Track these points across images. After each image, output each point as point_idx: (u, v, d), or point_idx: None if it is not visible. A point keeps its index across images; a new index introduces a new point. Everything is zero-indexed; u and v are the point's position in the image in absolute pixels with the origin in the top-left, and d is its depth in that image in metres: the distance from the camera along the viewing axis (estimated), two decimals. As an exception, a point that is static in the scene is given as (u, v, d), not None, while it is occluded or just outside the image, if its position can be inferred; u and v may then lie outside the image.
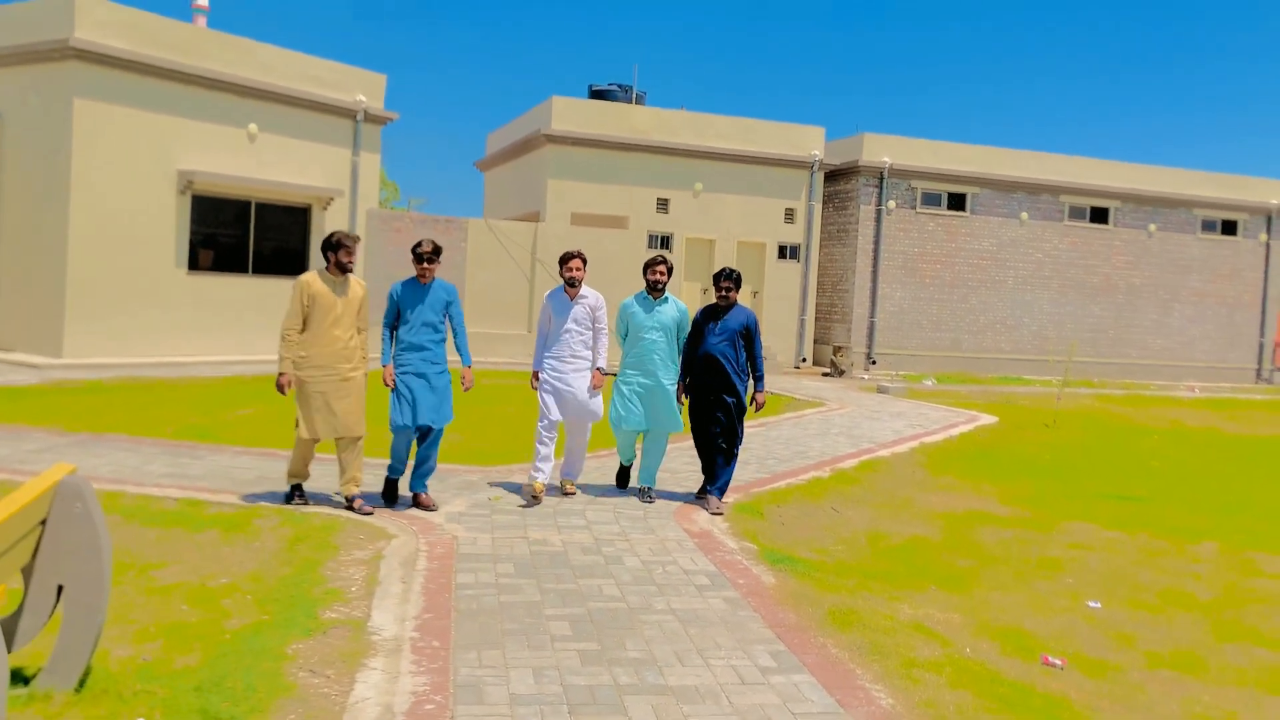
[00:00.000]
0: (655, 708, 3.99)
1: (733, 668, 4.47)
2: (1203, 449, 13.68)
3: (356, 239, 7.04)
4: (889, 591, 5.95)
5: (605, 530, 6.89)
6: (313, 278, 6.86)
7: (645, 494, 7.83)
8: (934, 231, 25.00)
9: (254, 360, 17.14)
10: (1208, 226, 27.69)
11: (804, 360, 24.08)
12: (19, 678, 3.83)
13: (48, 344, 15.77)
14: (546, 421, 7.61)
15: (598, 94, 24.32)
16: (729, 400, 7.62)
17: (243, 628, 4.67)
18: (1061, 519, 8.43)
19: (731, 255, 22.97)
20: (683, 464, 9.38)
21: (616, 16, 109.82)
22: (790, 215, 23.80)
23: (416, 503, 7.20)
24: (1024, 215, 25.69)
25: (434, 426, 7.11)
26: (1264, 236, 28.16)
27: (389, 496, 7.31)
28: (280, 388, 6.84)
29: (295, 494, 7.15)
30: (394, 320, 7.19)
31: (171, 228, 16.96)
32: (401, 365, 7.09)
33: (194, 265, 17.41)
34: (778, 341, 23.41)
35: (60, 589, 3.78)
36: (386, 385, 7.10)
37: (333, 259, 6.89)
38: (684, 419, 7.86)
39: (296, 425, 6.90)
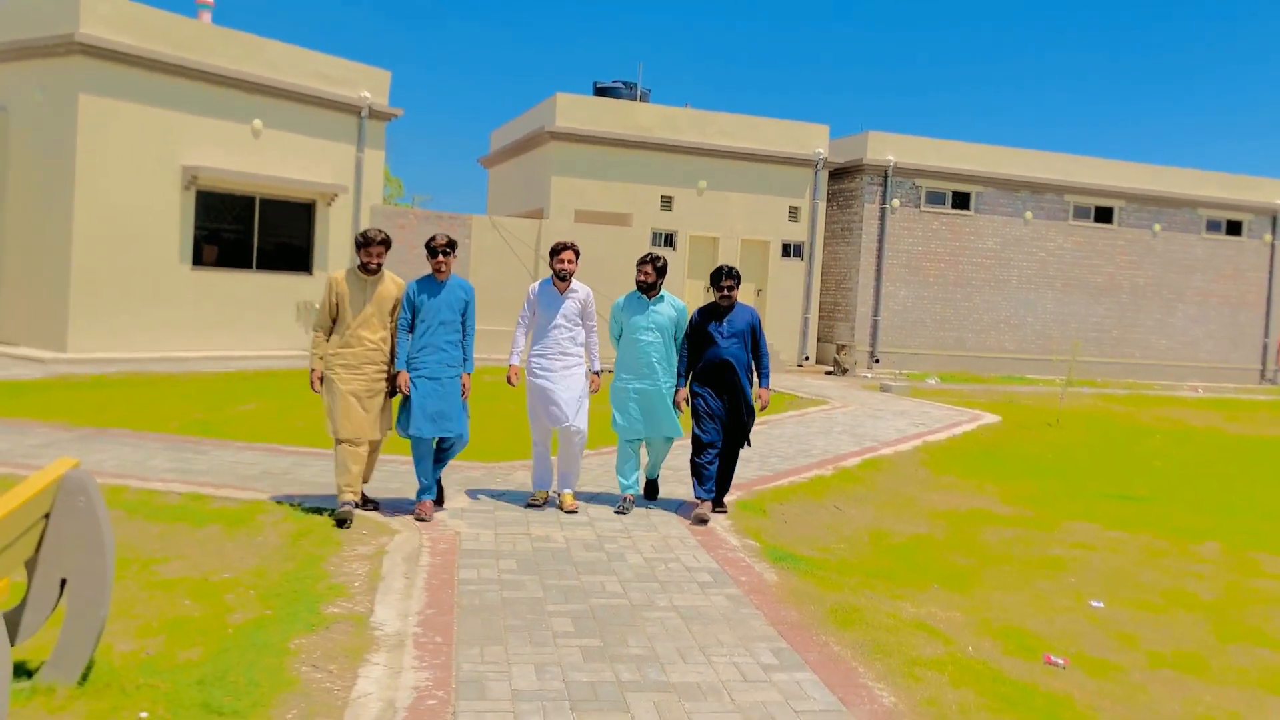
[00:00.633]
0: (657, 704, 4.00)
1: (735, 665, 4.47)
2: (1206, 449, 13.65)
3: (382, 236, 6.62)
4: (891, 590, 5.95)
5: (607, 527, 6.89)
6: (341, 276, 6.65)
7: (652, 490, 7.77)
8: (938, 230, 24.98)
9: (257, 356, 17.16)
10: (1212, 226, 27.64)
11: (807, 358, 24.07)
12: (22, 671, 3.84)
13: (52, 339, 15.80)
14: (539, 436, 7.40)
15: (602, 91, 24.32)
16: (741, 405, 7.34)
17: (245, 622, 4.68)
18: (1064, 518, 8.42)
19: (735, 253, 22.96)
20: (684, 461, 9.37)
21: (621, 14, 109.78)
22: (794, 213, 23.78)
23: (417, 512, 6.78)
24: (1028, 214, 25.65)
25: (452, 439, 6.81)
26: (1269, 237, 28.11)
27: (420, 520, 6.78)
28: (312, 385, 6.67)
29: (349, 516, 6.48)
30: (410, 321, 6.79)
31: (176, 223, 16.98)
32: (414, 368, 6.72)
33: (198, 261, 17.43)
34: (781, 340, 23.40)
35: (63, 583, 3.79)
36: (400, 391, 6.70)
37: (359, 258, 6.61)
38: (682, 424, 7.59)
39: (327, 427, 6.67)
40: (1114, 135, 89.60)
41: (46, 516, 3.76)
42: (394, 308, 6.71)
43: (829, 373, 22.99)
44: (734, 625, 5.00)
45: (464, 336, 6.89)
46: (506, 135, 25.76)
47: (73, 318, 15.71)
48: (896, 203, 24.46)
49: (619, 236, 21.27)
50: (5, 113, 16.61)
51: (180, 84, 16.84)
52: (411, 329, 6.78)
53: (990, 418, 15.05)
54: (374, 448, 6.85)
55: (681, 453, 9.67)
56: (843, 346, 23.56)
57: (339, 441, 6.62)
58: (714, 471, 7.31)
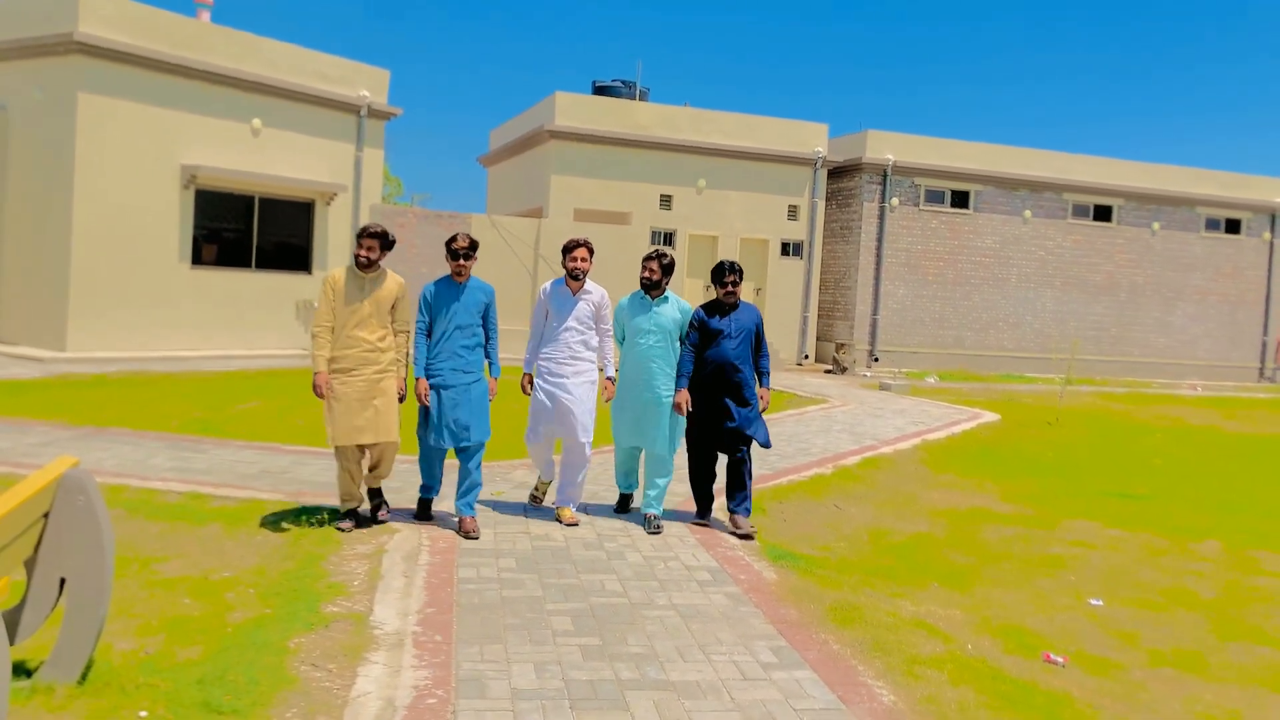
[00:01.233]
0: (657, 703, 4.00)
1: (734, 663, 4.47)
2: (1205, 447, 13.66)
3: (378, 230, 6.30)
4: (891, 588, 5.95)
5: (607, 526, 6.88)
6: (339, 274, 6.33)
7: (650, 522, 6.82)
8: (937, 229, 24.98)
9: (257, 355, 17.17)
10: (1211, 225, 27.64)
11: (806, 357, 24.07)
12: (22, 670, 3.84)
13: (51, 338, 15.79)
14: (537, 437, 6.90)
15: (601, 90, 24.31)
16: (747, 407, 6.89)
17: (245, 621, 4.68)
18: (1063, 517, 8.42)
19: (734, 252, 22.96)
20: (683, 460, 9.35)
21: (620, 12, 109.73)
22: (793, 212, 23.78)
23: (460, 527, 6.44)
24: (1027, 213, 25.65)
25: (467, 446, 6.49)
26: (1267, 235, 28.11)
27: (423, 516, 6.73)
28: (316, 389, 6.26)
29: (344, 517, 6.45)
30: (428, 325, 6.49)
31: (175, 222, 16.97)
32: (431, 376, 6.42)
33: (197, 260, 17.43)
34: (780, 338, 23.40)
35: (63, 582, 3.79)
36: (419, 400, 6.41)
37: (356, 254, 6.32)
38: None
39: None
40: (1113, 134, 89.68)
41: (46, 515, 3.76)
42: (394, 307, 6.38)
43: (828, 371, 23.00)
44: (733, 624, 5.00)
45: (486, 340, 6.60)
46: (506, 134, 25.75)
47: (72, 317, 15.71)
48: (895, 201, 24.45)
49: (618, 235, 21.26)
50: (4, 112, 16.60)
51: (179, 83, 16.83)
52: (429, 334, 6.49)
53: (990, 416, 15.05)
54: (384, 451, 6.47)
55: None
56: (842, 345, 23.57)
57: (335, 448, 6.36)
58: (711, 490, 7.08)
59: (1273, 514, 9.16)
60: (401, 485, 7.65)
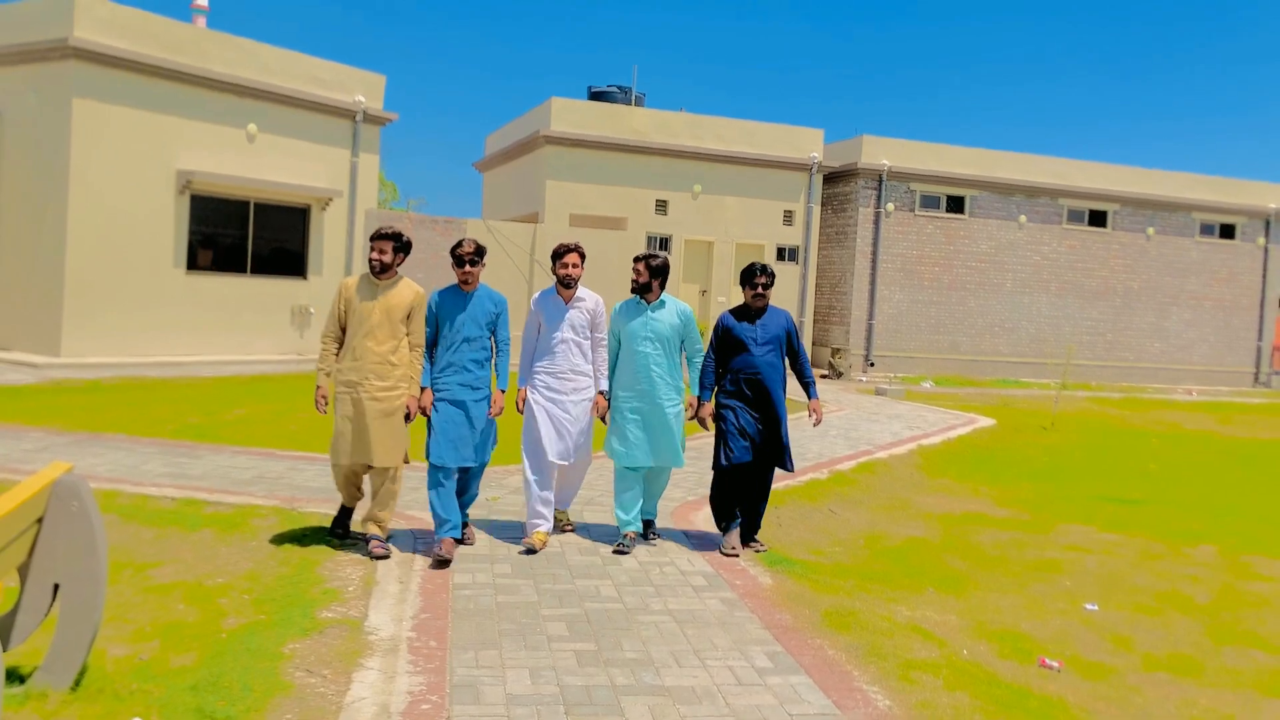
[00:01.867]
0: (652, 709, 3.99)
1: (729, 669, 4.47)
2: (1200, 452, 13.69)
3: (391, 231, 5.92)
4: (886, 593, 5.95)
5: (601, 532, 6.87)
6: (352, 282, 5.98)
7: (648, 530, 6.66)
8: (932, 234, 25.02)
9: (252, 360, 17.13)
10: (1206, 230, 27.73)
11: (802, 362, 24.07)
12: (15, 676, 3.83)
13: (46, 343, 15.75)
14: (537, 467, 6.29)
15: (597, 95, 24.34)
16: (777, 423, 6.42)
17: (239, 627, 4.67)
18: (1059, 521, 8.43)
19: (730, 257, 23.00)
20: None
21: (616, 18, 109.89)
22: (789, 217, 23.81)
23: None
24: (1022, 218, 25.71)
25: (472, 465, 6.14)
26: (1262, 240, 28.20)
27: (441, 564, 5.83)
28: (317, 405, 5.98)
29: (338, 528, 6.27)
30: (434, 336, 6.09)
31: (170, 228, 16.95)
32: (436, 390, 6.02)
33: (192, 265, 17.40)
34: (776, 343, 23.39)
35: (56, 587, 3.78)
36: (422, 414, 6.01)
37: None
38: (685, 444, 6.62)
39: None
40: (1108, 139, 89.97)
41: (40, 521, 3.75)
42: (408, 317, 5.96)
43: (824, 376, 23.02)
44: (728, 629, 5.00)
45: (495, 353, 6.18)
46: (501, 139, 25.77)
47: (67, 322, 15.67)
48: (891, 206, 24.49)
49: (614, 241, 21.28)
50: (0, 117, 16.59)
51: (175, 88, 16.81)
52: (435, 346, 6.10)
53: (985, 421, 15.07)
54: (387, 475, 6.03)
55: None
56: (837, 350, 23.59)
57: (335, 466, 6.09)
58: (738, 509, 6.49)
59: (1267, 519, 9.18)
60: (406, 500, 7.62)
